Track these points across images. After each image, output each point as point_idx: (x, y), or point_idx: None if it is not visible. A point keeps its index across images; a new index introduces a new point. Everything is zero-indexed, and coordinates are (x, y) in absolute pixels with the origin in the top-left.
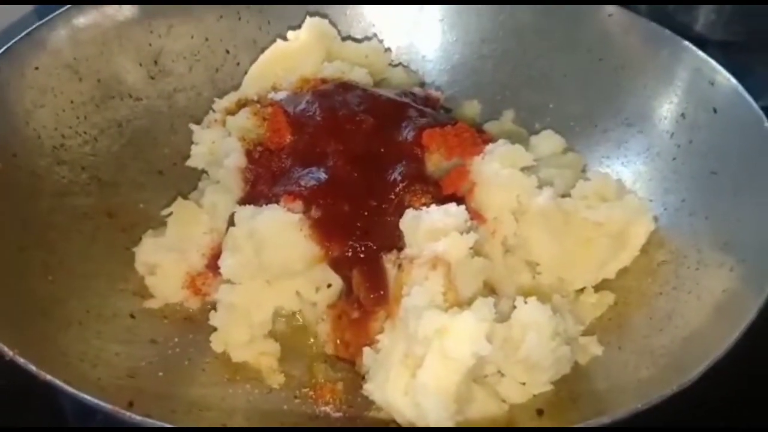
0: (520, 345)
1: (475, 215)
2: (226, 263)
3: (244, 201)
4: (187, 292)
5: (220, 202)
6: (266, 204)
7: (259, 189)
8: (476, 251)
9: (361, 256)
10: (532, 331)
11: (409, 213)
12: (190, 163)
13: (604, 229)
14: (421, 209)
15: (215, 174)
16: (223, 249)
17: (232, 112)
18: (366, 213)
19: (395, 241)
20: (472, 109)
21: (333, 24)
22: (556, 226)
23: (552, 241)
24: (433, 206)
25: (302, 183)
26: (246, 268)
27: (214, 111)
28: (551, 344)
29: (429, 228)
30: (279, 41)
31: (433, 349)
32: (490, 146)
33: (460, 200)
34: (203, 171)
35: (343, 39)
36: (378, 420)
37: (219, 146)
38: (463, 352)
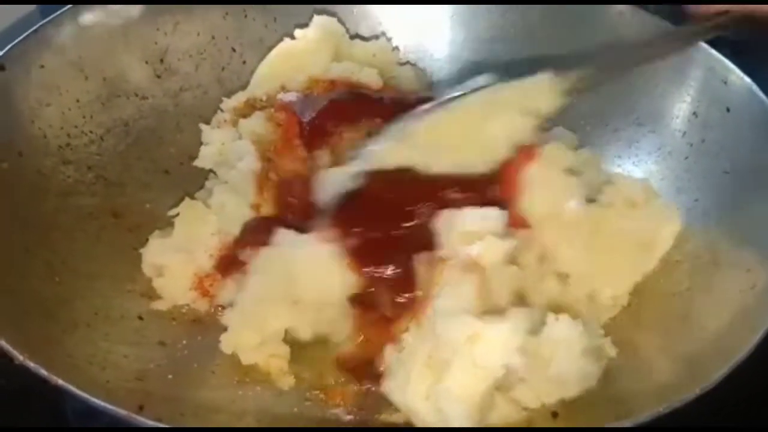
0: (549, 362)
1: (518, 221)
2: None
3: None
4: (195, 293)
5: (229, 203)
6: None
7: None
8: (511, 259)
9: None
10: (562, 348)
11: (446, 213)
12: (197, 163)
13: (634, 236)
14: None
15: (224, 175)
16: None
17: (241, 113)
18: (402, 231)
19: (429, 243)
20: None
21: (341, 22)
22: (586, 235)
23: (582, 251)
24: (471, 208)
25: (335, 210)
26: (273, 291)
27: (222, 111)
28: (580, 362)
29: (464, 230)
30: (286, 39)
31: (462, 355)
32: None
33: (503, 204)
34: (210, 170)
35: (351, 38)
36: (390, 423)
37: (229, 147)
38: (493, 362)
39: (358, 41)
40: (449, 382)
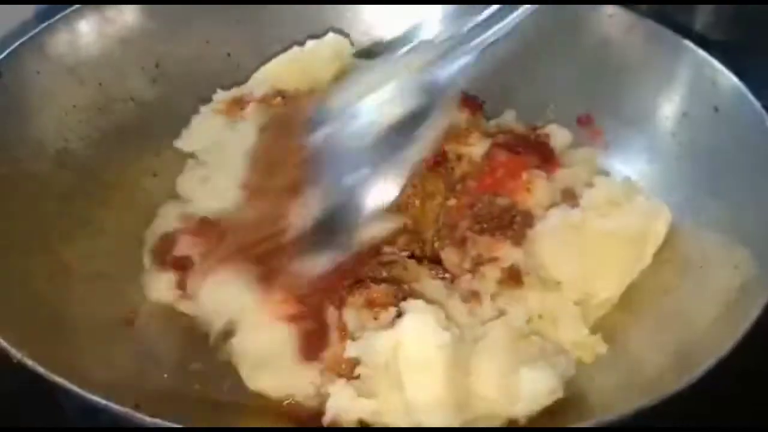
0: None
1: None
2: None
3: None
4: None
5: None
6: None
7: None
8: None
9: None
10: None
11: None
12: (179, 144)
13: (623, 235)
14: None
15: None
16: None
17: (229, 107)
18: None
19: None
20: None
21: (336, 29)
22: (571, 242)
23: (570, 259)
24: None
25: None
26: None
27: (214, 101)
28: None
29: None
30: (296, 48)
31: (402, 366)
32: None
33: None
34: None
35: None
36: None
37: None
38: (428, 351)
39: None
40: (412, 395)
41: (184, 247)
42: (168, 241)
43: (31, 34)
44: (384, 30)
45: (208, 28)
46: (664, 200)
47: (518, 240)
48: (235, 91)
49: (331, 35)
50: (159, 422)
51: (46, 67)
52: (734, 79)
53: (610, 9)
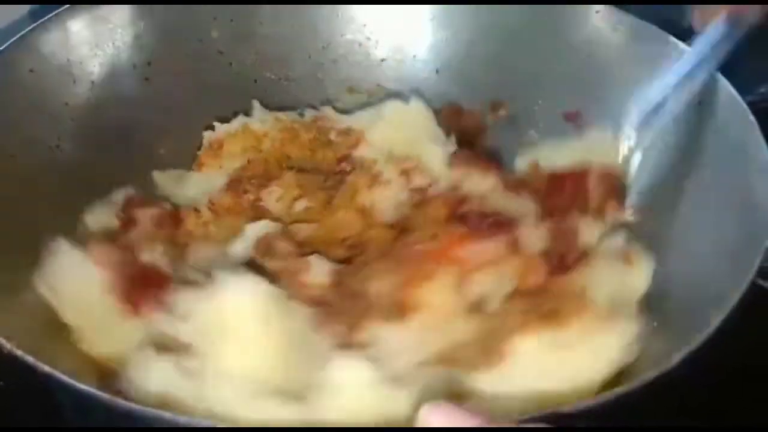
0: None
1: None
2: None
3: None
4: None
5: None
6: None
7: None
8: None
9: None
10: None
11: None
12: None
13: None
14: None
15: None
16: None
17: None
18: None
19: None
20: None
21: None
22: None
23: None
24: None
25: None
26: None
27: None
28: None
29: None
30: None
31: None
32: None
33: None
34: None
35: None
36: None
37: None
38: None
39: None
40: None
41: (142, 215)
42: (140, 200)
43: (23, 32)
44: (375, 29)
45: (201, 27)
46: (647, 193)
47: None
48: (236, 123)
49: None
50: (146, 410)
51: (40, 65)
52: (718, 73)
53: (596, 7)
